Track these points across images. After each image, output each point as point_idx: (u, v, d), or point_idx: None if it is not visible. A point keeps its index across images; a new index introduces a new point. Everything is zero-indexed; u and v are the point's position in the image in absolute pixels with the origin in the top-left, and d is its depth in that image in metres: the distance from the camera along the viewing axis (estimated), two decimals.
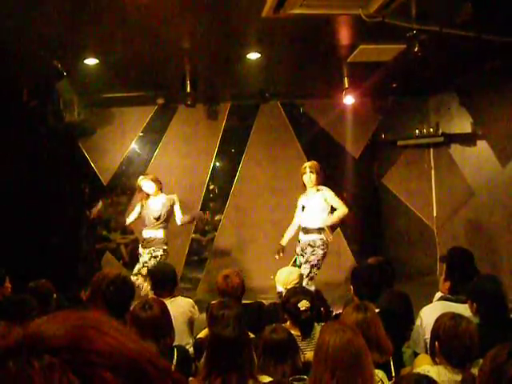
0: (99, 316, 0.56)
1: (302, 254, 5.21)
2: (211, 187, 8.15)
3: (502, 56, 5.46)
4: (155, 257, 5.46)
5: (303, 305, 3.04)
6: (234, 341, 2.37)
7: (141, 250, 5.60)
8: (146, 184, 5.55)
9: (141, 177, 5.69)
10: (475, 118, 6.96)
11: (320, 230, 5.17)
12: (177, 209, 5.62)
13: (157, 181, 5.58)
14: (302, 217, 5.29)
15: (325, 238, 5.18)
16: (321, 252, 5.13)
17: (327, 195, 5.17)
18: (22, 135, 5.90)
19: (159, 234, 5.52)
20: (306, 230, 5.21)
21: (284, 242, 5.48)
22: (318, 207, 5.17)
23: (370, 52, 5.29)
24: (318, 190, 5.19)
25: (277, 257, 5.44)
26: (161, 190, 5.61)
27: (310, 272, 5.10)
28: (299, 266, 5.15)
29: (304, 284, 4.54)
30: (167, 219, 5.59)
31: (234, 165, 7.94)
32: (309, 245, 5.15)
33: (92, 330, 0.52)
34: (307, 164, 5.26)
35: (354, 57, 5.42)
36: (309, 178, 5.14)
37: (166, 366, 0.57)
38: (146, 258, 5.49)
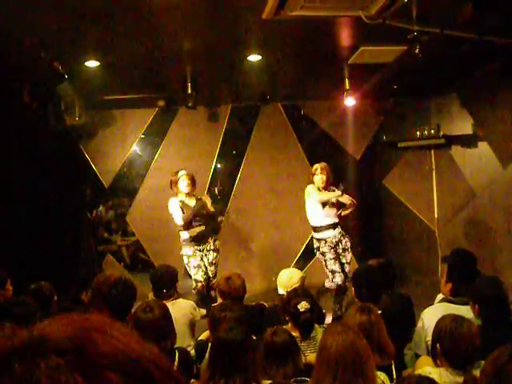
0: (103, 318, 0.57)
1: (337, 248, 5.45)
2: (212, 189, 8.14)
3: (503, 57, 5.45)
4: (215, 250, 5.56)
5: (303, 306, 3.04)
6: (239, 344, 2.37)
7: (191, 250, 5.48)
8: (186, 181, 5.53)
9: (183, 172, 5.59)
10: (476, 119, 6.96)
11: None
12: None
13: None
14: (327, 213, 5.47)
15: None
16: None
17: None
18: (23, 137, 5.90)
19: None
20: (335, 225, 5.48)
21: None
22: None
23: (371, 54, 5.29)
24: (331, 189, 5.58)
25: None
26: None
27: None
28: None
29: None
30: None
31: (235, 167, 7.95)
32: (342, 235, 5.49)
33: (96, 332, 0.52)
34: (318, 165, 5.50)
35: (354, 58, 5.42)
36: (320, 178, 5.42)
37: (169, 367, 0.57)
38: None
